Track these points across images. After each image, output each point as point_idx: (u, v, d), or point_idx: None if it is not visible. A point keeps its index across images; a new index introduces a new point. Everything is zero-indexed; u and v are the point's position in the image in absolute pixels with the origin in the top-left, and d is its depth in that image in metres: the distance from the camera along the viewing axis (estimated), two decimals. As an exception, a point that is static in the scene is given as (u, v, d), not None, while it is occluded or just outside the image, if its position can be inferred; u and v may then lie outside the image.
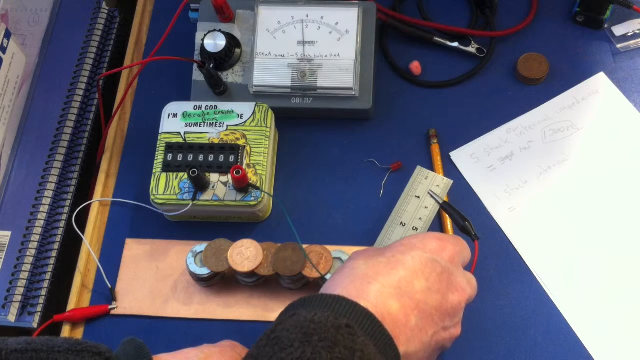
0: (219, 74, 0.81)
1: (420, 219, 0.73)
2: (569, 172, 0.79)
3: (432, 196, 0.73)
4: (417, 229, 0.73)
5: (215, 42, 0.80)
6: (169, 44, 0.81)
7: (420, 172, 0.75)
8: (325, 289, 0.58)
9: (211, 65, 0.79)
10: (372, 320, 0.54)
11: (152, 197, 0.75)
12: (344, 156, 0.81)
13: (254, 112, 0.77)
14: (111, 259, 0.77)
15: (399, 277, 0.57)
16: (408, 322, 0.56)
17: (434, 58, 0.86)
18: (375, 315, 0.54)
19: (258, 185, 0.74)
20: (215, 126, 0.76)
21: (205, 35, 0.80)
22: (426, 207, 0.73)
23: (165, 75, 0.86)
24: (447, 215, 0.75)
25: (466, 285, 0.61)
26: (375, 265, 0.58)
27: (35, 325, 0.75)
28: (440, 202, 0.73)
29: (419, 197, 0.74)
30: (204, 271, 0.72)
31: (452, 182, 0.74)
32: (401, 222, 0.73)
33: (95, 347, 0.54)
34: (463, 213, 0.71)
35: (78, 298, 0.76)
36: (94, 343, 0.54)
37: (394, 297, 0.56)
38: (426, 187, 0.74)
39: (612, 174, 0.78)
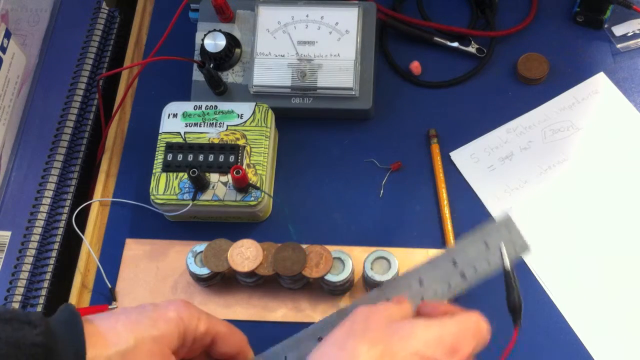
0: (219, 74, 0.81)
1: (474, 268, 0.60)
2: (569, 172, 0.79)
3: (500, 251, 0.60)
4: (465, 276, 0.60)
5: (215, 42, 0.80)
6: (169, 44, 0.81)
7: (507, 221, 0.61)
8: None
9: (211, 65, 0.79)
10: None
11: (152, 197, 0.75)
12: (344, 156, 0.81)
13: (254, 112, 0.77)
14: (111, 259, 0.77)
15: None
16: None
17: (434, 58, 0.86)
18: None
19: (258, 185, 0.74)
20: (215, 126, 0.76)
21: (205, 35, 0.80)
22: (488, 262, 0.60)
23: (165, 75, 0.86)
24: (450, 218, 0.75)
25: None
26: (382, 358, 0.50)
27: (35, 325, 0.75)
28: (508, 266, 0.60)
29: (486, 245, 0.61)
30: (204, 271, 0.72)
31: (529, 248, 0.61)
32: (454, 260, 0.60)
33: (25, 316, 0.51)
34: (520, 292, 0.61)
35: (78, 298, 0.76)
36: (25, 312, 0.52)
37: None
38: (501, 239, 0.61)
39: (612, 174, 0.78)
